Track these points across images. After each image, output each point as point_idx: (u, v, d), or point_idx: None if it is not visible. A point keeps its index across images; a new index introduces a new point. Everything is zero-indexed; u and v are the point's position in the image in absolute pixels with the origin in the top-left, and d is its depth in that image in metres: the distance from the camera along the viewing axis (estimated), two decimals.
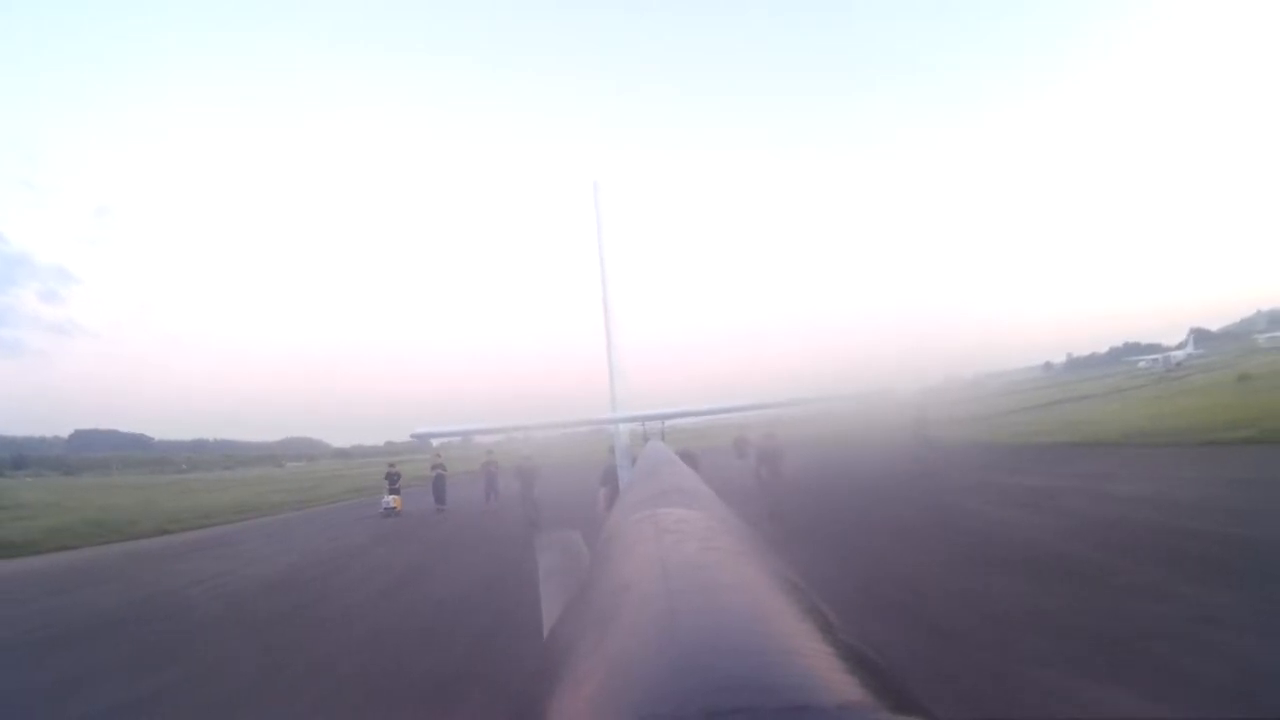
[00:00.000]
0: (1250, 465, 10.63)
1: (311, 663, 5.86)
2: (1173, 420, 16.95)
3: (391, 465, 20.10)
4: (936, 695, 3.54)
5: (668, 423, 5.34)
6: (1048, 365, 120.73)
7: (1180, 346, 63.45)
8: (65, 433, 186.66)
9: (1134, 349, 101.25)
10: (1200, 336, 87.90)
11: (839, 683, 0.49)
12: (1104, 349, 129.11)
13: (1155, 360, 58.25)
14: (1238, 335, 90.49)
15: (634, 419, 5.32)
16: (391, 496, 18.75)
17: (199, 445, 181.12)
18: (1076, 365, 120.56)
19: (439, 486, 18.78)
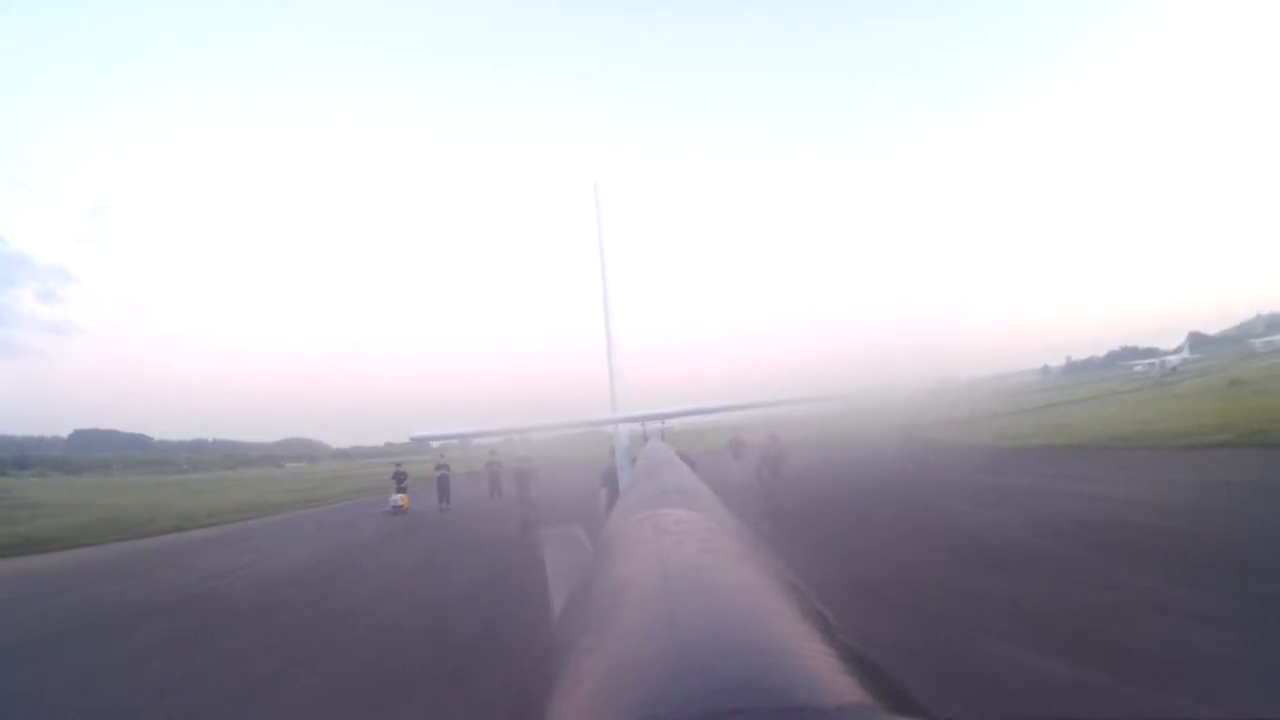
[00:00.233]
0: (1216, 468, 11.30)
1: (374, 626, 7.06)
2: (1156, 425, 17.58)
3: (398, 465, 20.57)
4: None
5: (667, 422, 5.31)
6: (1045, 369, 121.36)
7: (1176, 351, 64.05)
8: (64, 432, 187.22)
9: (1131, 353, 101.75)
10: (1197, 341, 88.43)
11: (838, 684, 0.49)
12: (1103, 353, 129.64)
13: (1151, 365, 58.69)
14: (1236, 339, 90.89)
15: (633, 419, 5.29)
16: (399, 495, 19.24)
17: (198, 445, 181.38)
18: (1074, 369, 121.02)
19: (443, 486, 19.27)
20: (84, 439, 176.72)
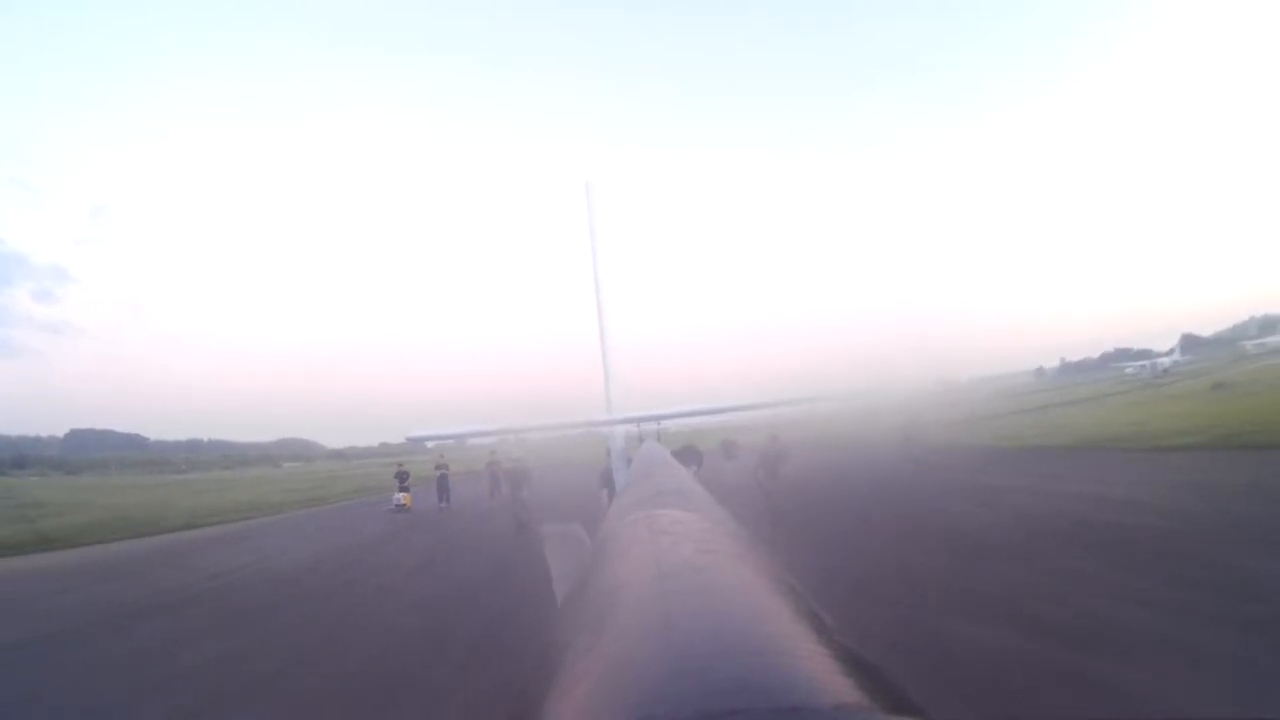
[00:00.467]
0: (1179, 469, 12.02)
1: (403, 605, 8.06)
2: (1134, 427, 18.29)
3: (400, 465, 21.00)
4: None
5: (663, 423, 5.38)
6: (1040, 370, 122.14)
7: (1168, 353, 64.67)
8: (60, 432, 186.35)
9: (1125, 355, 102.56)
10: (1190, 342, 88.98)
11: (834, 684, 0.49)
12: (1098, 354, 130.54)
13: (1143, 366, 59.30)
14: (1229, 341, 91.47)
15: (629, 420, 5.34)
16: (401, 494, 19.65)
17: (194, 445, 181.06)
18: (1069, 370, 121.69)
19: (443, 485, 19.70)
20: (80, 439, 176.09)
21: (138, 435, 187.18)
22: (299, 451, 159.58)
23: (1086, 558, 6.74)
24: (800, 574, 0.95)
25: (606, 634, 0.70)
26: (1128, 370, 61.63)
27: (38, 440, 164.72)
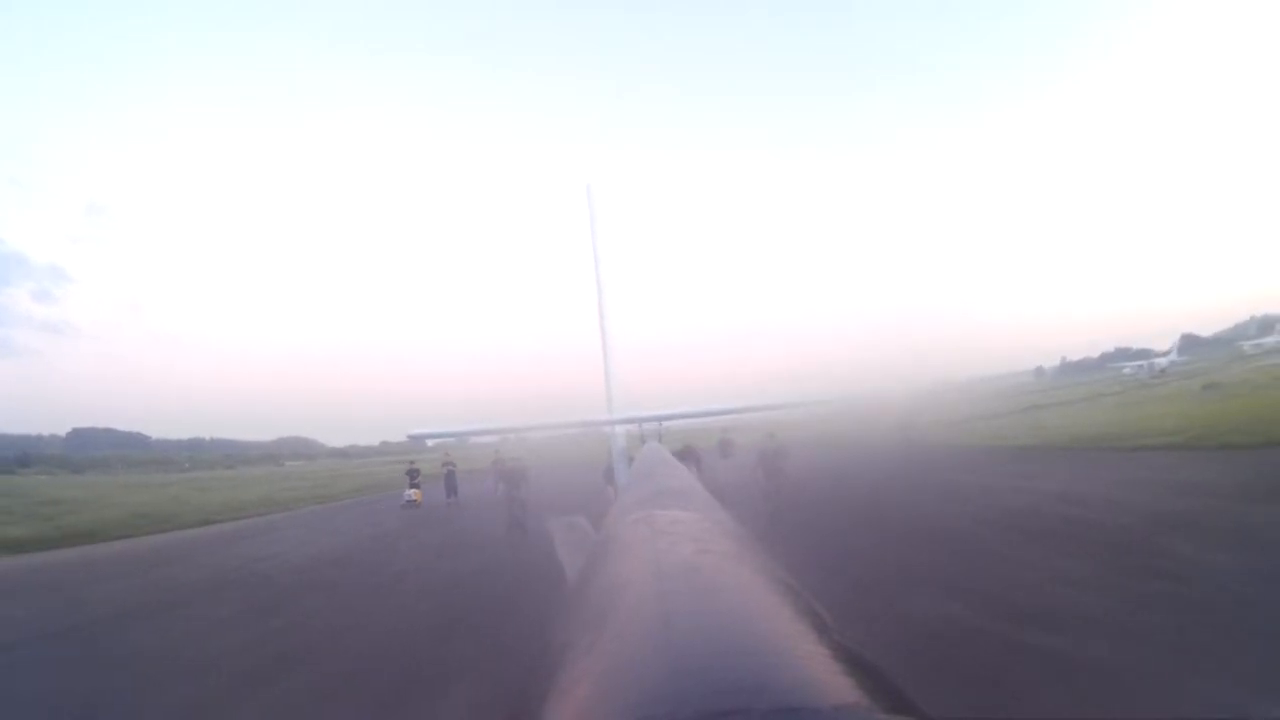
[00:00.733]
0: (1145, 468, 12.64)
1: (428, 585, 9.50)
2: (1120, 427, 18.87)
3: (412, 463, 21.86)
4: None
5: (664, 424, 5.51)
6: (1040, 370, 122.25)
7: (1165, 353, 64.93)
8: (62, 431, 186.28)
9: (1124, 354, 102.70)
10: (1189, 342, 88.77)
11: (834, 684, 0.50)
12: (1098, 354, 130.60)
13: (1140, 366, 59.52)
14: (1228, 341, 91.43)
15: (629, 420, 5.43)
16: (412, 490, 20.43)
17: (195, 444, 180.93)
18: (1068, 370, 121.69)
19: (450, 481, 20.49)
20: (82, 437, 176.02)
21: (139, 434, 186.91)
22: (301, 450, 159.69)
23: (1027, 545, 7.81)
24: (794, 572, 0.98)
25: (606, 634, 0.71)
26: (1125, 370, 61.86)
27: (39, 439, 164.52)
